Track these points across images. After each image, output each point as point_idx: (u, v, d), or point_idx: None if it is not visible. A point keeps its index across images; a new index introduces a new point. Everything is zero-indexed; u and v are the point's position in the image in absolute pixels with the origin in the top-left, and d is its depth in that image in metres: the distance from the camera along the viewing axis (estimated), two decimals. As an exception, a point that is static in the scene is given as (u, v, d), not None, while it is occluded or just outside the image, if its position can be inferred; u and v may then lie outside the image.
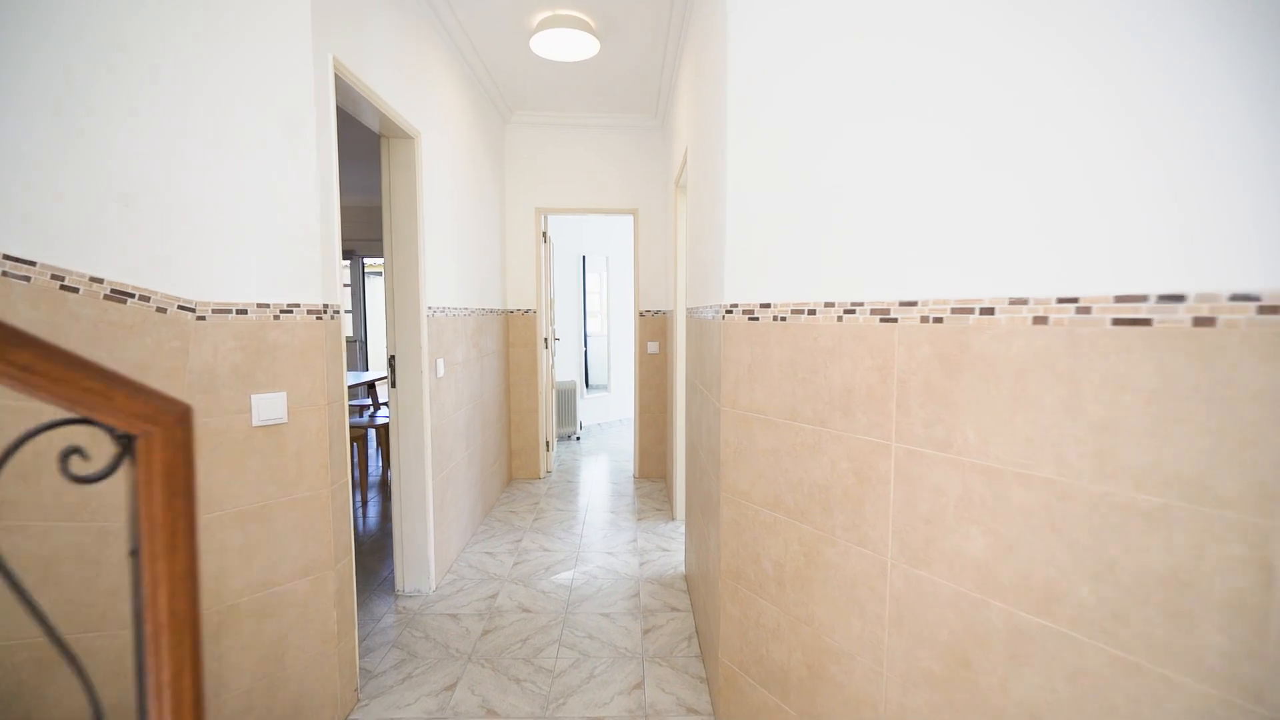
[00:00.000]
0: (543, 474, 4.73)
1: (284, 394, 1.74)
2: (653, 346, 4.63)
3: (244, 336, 1.66)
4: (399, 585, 2.81)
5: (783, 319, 1.55)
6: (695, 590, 2.56)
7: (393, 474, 2.76)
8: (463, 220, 3.37)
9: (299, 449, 1.77)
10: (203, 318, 1.59)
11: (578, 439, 6.10)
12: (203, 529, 1.60)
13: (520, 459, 4.69)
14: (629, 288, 6.78)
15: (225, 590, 1.66)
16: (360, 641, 2.40)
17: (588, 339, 7.69)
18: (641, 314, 4.63)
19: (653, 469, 4.71)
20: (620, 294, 6.82)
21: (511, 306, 4.60)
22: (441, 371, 2.93)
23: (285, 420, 1.74)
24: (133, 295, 1.49)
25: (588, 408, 6.62)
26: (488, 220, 3.96)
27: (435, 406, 2.85)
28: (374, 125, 2.45)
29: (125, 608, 1.53)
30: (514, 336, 4.61)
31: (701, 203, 2.30)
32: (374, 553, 3.24)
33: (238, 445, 1.66)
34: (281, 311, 1.73)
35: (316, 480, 1.82)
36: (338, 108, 2.11)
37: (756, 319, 1.64)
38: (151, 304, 1.51)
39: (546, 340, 4.77)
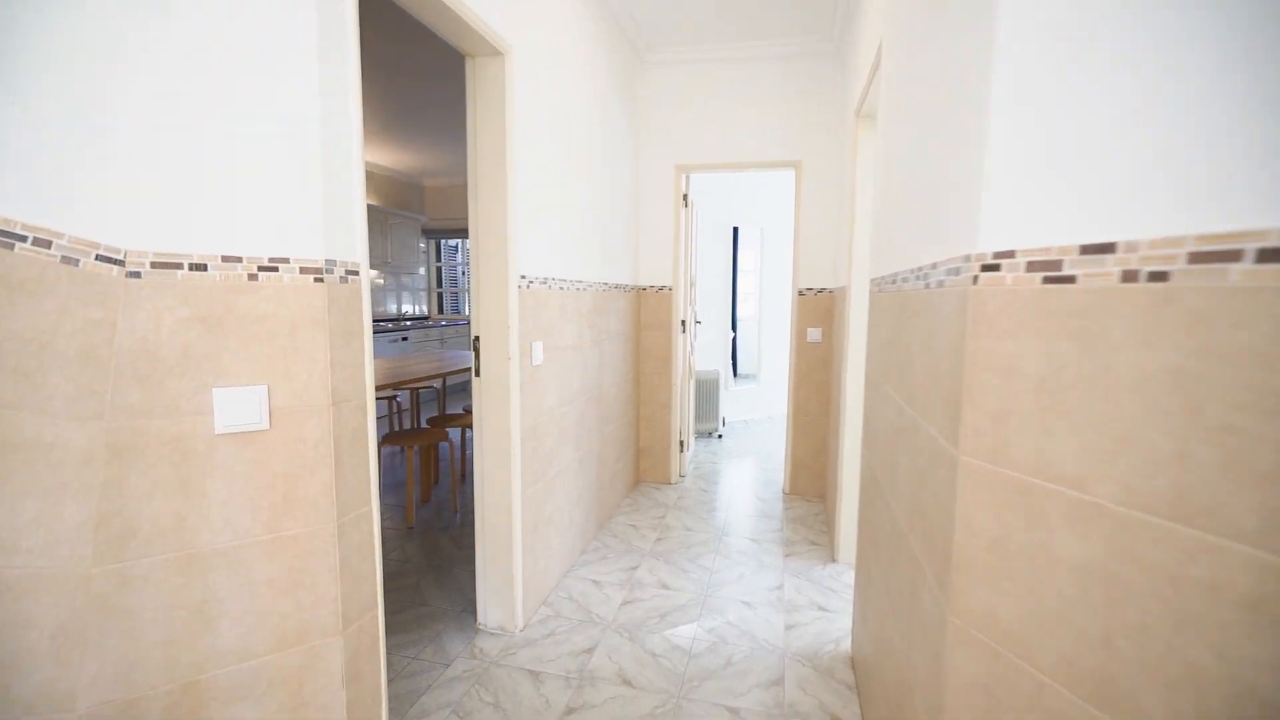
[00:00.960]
0: (675, 478, 4.05)
1: (263, 388, 1.20)
2: (813, 334, 3.70)
3: (202, 304, 1.14)
4: (480, 616, 2.30)
5: (1159, 277, 0.65)
6: (871, 699, 1.69)
7: (475, 482, 2.24)
8: (577, 173, 2.74)
9: (288, 466, 1.24)
10: (136, 274, 1.08)
11: (719, 437, 5.34)
12: (136, 580, 1.12)
13: (649, 459, 4.05)
14: (787, 263, 5.83)
15: (176, 664, 1.17)
16: (419, 698, 1.90)
17: (737, 323, 6.85)
18: (801, 293, 3.71)
19: (807, 485, 3.81)
20: (776, 270, 5.88)
21: (644, 283, 3.94)
22: (539, 358, 2.33)
23: (265, 426, 1.21)
24: (23, 238, 1.01)
25: (733, 401, 5.82)
26: (615, 178, 3.31)
27: (529, 401, 2.27)
28: (448, 34, 1.87)
29: None
30: (646, 317, 3.96)
31: (916, 103, 1.40)
32: (468, 564, 2.80)
33: (193, 460, 1.15)
34: (261, 269, 1.18)
35: (314, 511, 1.27)
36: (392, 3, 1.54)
37: (1069, 280, 0.75)
38: (54, 251, 1.03)
39: (685, 323, 4.05)
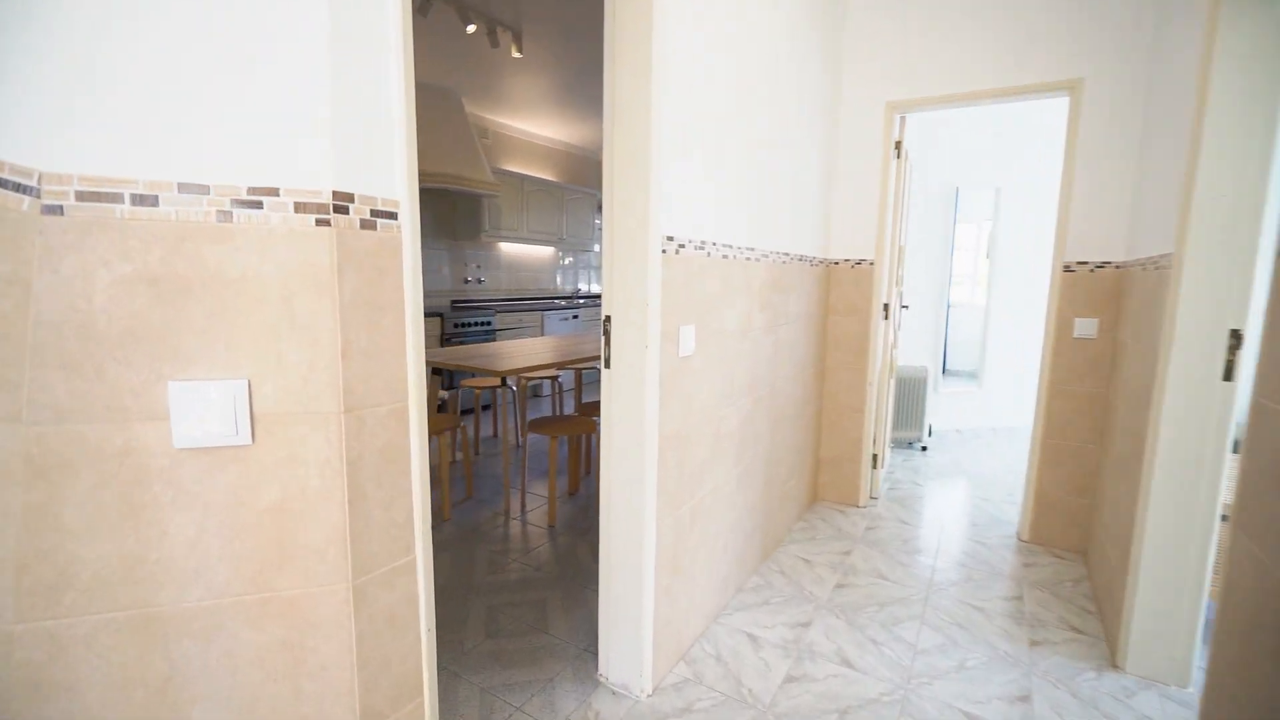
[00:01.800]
0: (864, 500, 3.25)
1: (242, 384, 0.81)
2: (1083, 326, 2.63)
3: (152, 255, 0.76)
4: (602, 665, 1.84)
5: None
6: None
7: (600, 500, 1.76)
8: (752, 106, 2.10)
9: (280, 499, 0.84)
10: (56, 209, 0.73)
11: (923, 449, 4.33)
12: (76, 645, 0.80)
13: (831, 473, 3.30)
14: (1037, 231, 4.53)
15: (130, 763, 0.84)
16: (510, 772, 1.50)
17: (949, 309, 5.61)
18: (1068, 268, 2.65)
19: (1059, 535, 2.77)
20: (1017, 242, 4.61)
21: (837, 255, 3.16)
22: (689, 346, 1.78)
23: (246, 439, 0.82)
24: (-106, 152, 0.70)
25: (943, 406, 4.72)
26: (801, 120, 2.59)
27: (673, 402, 1.73)
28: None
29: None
30: (837, 298, 3.18)
31: None
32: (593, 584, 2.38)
33: (148, 484, 0.80)
34: (237, 203, 0.78)
35: (320, 565, 0.87)
36: None
37: None
38: (-62, 173, 0.71)
39: (888, 306, 3.20)
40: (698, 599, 2.01)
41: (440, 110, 4.90)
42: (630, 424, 1.64)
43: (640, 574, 1.70)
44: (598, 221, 7.41)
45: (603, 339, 1.68)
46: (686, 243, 1.73)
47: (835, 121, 3.04)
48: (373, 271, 0.88)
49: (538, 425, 3.02)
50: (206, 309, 0.79)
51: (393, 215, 0.91)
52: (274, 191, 0.80)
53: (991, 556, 2.70)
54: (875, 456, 3.32)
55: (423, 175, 4.62)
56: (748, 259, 2.15)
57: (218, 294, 0.79)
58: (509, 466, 3.66)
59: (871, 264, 3.09)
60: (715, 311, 1.93)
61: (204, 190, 0.77)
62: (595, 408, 3.44)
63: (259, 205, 0.79)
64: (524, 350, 3.50)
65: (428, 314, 4.68)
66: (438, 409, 4.89)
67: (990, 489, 3.55)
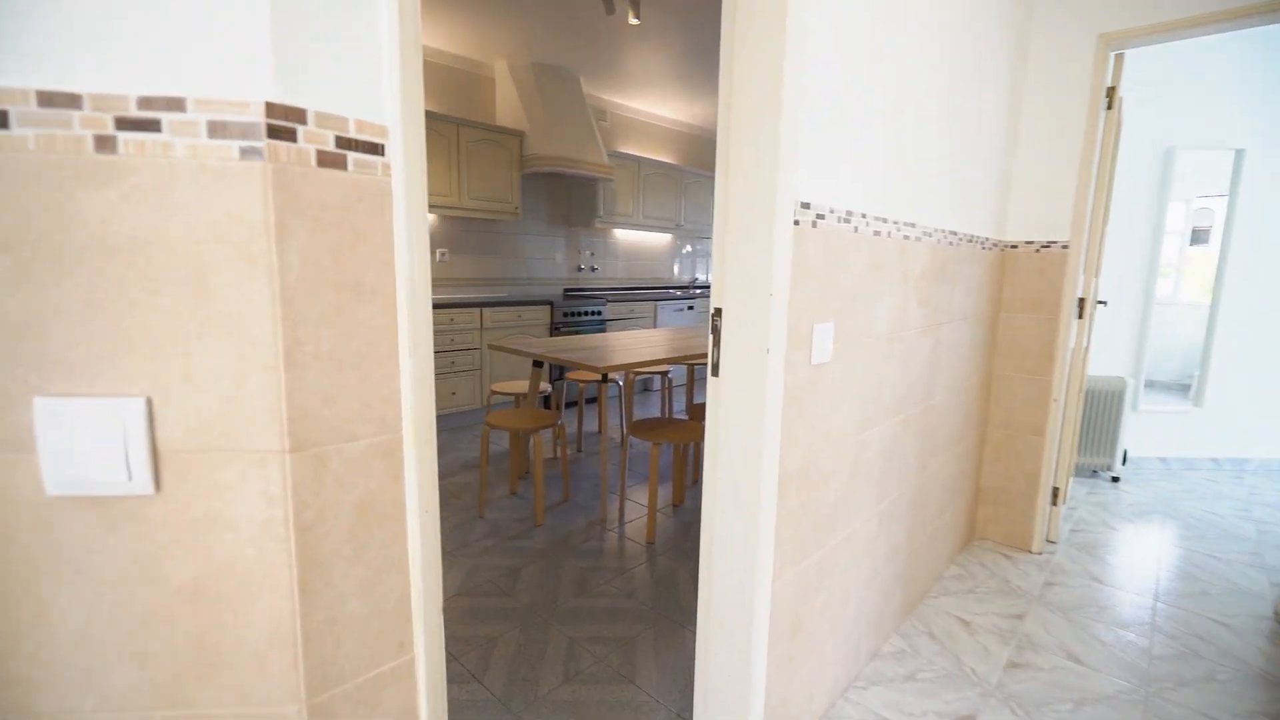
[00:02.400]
0: (1038, 544, 2.58)
1: (140, 401, 0.53)
2: None
3: (3, 202, 0.50)
4: (698, 744, 1.48)
5: None
6: None
7: (701, 542, 1.39)
8: (909, 42, 1.59)
9: (201, 577, 0.56)
10: None
11: (1114, 479, 3.48)
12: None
13: (995, 506, 2.66)
14: (1287, 209, 3.48)
15: None
16: None
17: (1151, 306, 4.53)
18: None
19: (1349, 624, 1.97)
20: (1268, 221, 3.55)
21: (1014, 236, 2.51)
22: (824, 352, 1.34)
23: (148, 488, 0.54)
24: None
25: (1144, 427, 3.78)
26: (976, 59, 2.00)
27: (802, 424, 1.31)
28: None
29: None
30: (1013, 291, 2.53)
31: None
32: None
33: (14, 543, 0.54)
34: (125, 123, 0.50)
35: (260, 677, 0.58)
36: None
37: None
38: None
39: (1083, 302, 2.49)
40: (822, 670, 1.58)
41: (557, 90, 4.72)
42: (742, 452, 1.25)
43: (749, 642, 1.31)
44: (718, 207, 6.96)
45: (710, 339, 1.29)
46: (826, 212, 1.29)
47: (1022, 63, 2.39)
48: (340, 233, 0.58)
49: (641, 428, 2.70)
50: (86, 290, 0.52)
51: (376, 149, 0.59)
52: (178, 104, 0.51)
53: (1238, 644, 1.97)
54: (1056, 491, 2.63)
55: (537, 159, 4.47)
56: (905, 237, 1.65)
57: (99, 267, 0.51)
58: (608, 470, 3.40)
59: (1065, 247, 2.41)
60: (860, 306, 1.47)
61: (72, 101, 0.50)
62: (703, 411, 3.06)
63: (155, 126, 0.50)
64: (631, 343, 3.19)
65: (538, 302, 4.54)
66: (543, 403, 4.76)
67: (1223, 543, 2.71)
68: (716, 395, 1.29)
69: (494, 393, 3.45)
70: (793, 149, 1.14)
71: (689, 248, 6.82)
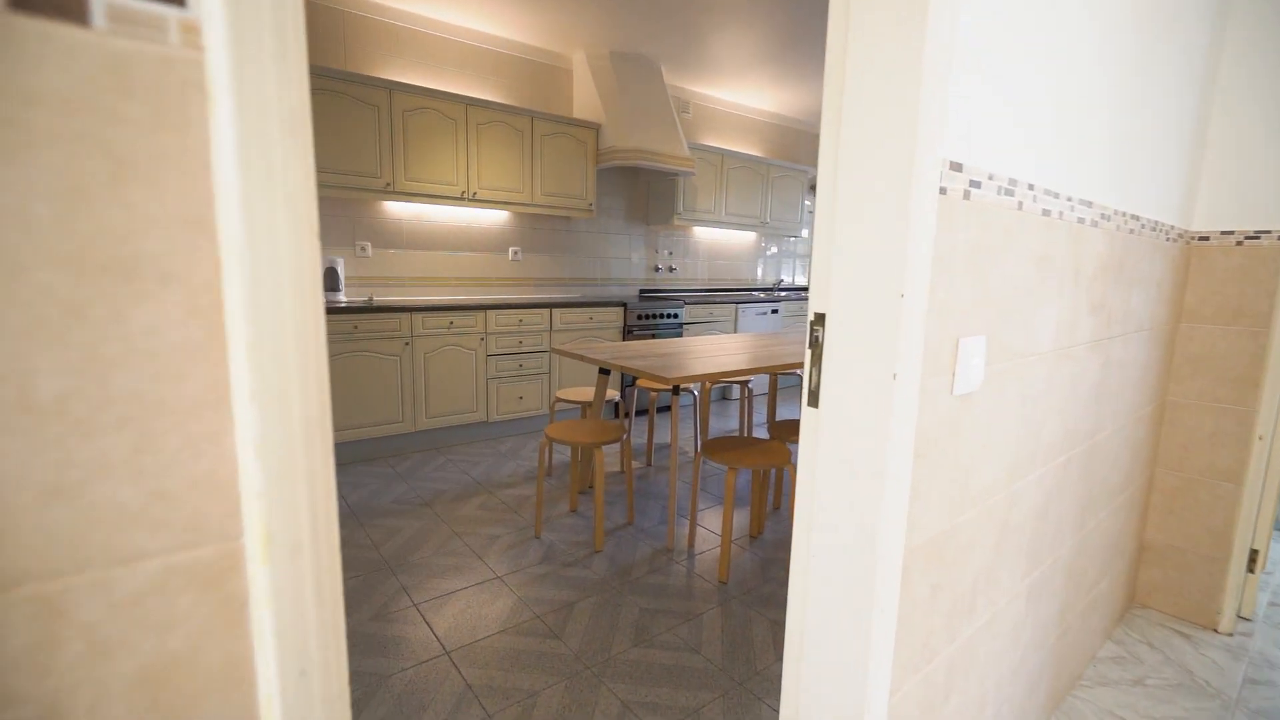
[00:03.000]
0: (1227, 621, 2.01)
1: None
2: None
3: None
4: None
5: None
6: None
7: (788, 637, 1.04)
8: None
9: None
10: None
11: (1317, 535, 2.75)
12: None
13: (1164, 568, 2.10)
14: None
15: None
16: None
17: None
18: None
19: None
20: None
21: (1202, 226, 1.96)
22: (973, 376, 0.95)
23: None
24: None
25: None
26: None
27: (936, 481, 0.93)
28: None
29: None
30: (1199, 295, 1.98)
31: None
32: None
33: None
34: None
35: None
36: None
37: None
38: None
39: (1299, 310, 1.90)
40: (948, 799, 1.18)
41: (636, 80, 4.46)
42: (851, 519, 0.89)
43: (851, 774, 0.95)
44: (808, 203, 6.47)
45: (807, 355, 0.94)
46: (983, 179, 0.91)
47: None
48: (81, 157, 0.29)
49: (716, 448, 2.36)
50: None
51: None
52: None
53: None
54: (1254, 554, 2.04)
55: (614, 151, 4.22)
56: (1080, 220, 1.22)
57: None
58: (678, 490, 3.07)
59: (1273, 238, 1.84)
60: (1019, 313, 1.07)
61: None
62: (791, 428, 2.67)
63: None
64: (708, 350, 2.86)
65: (611, 303, 4.30)
66: (612, 411, 4.51)
67: None
68: (814, 433, 0.94)
69: (558, 400, 3.22)
70: (938, 83, 0.78)
71: (774, 248, 6.37)
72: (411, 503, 2.89)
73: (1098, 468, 1.57)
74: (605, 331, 4.32)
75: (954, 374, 0.92)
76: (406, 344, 3.46)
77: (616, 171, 4.91)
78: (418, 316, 3.48)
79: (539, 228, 4.54)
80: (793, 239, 6.53)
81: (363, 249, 3.78)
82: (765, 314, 5.41)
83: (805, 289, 6.78)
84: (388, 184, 3.50)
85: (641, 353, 2.73)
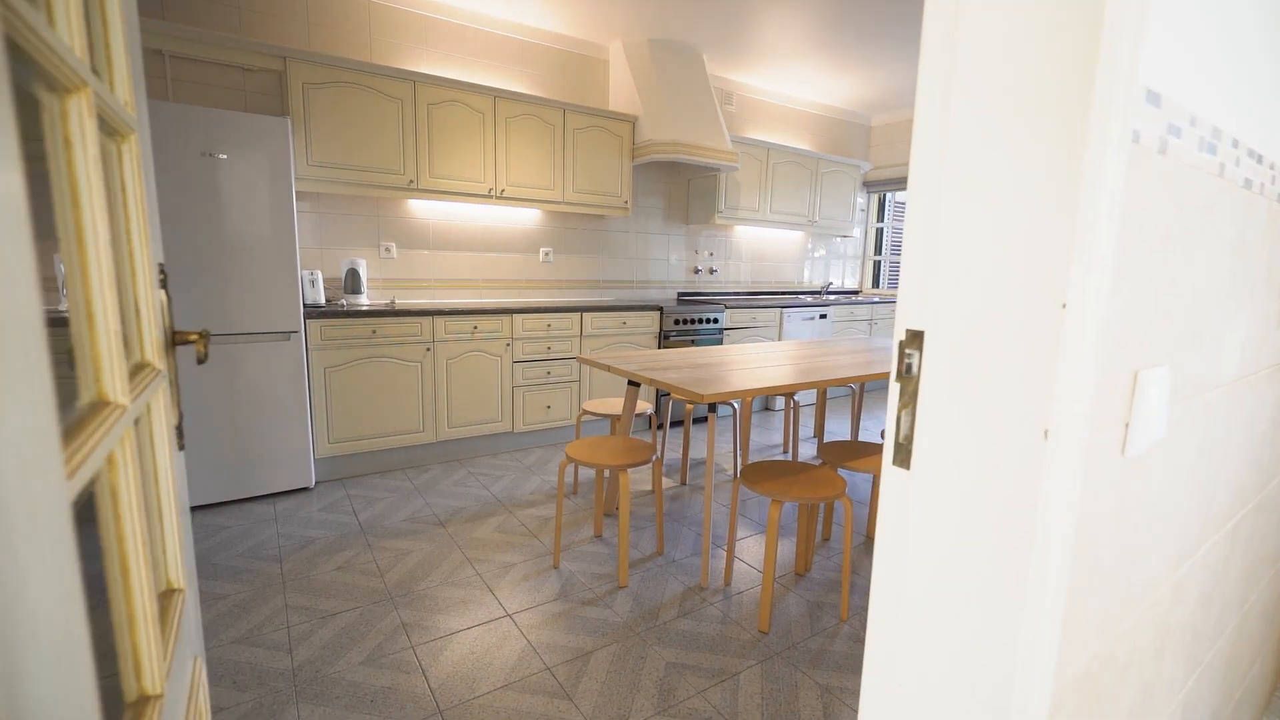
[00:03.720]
0: (1405, 713, 1.58)
1: None
2: None
3: None
4: None
5: None
6: None
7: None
8: None
9: None
10: None
11: None
12: None
13: (1319, 642, 1.68)
14: None
15: None
16: None
17: None
18: None
19: None
20: None
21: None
22: (1153, 426, 0.63)
23: None
24: None
25: None
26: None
27: (1089, 588, 0.61)
28: None
29: None
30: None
31: None
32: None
33: None
34: None
35: None
36: None
37: None
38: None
39: None
40: None
41: (676, 69, 4.18)
42: (970, 645, 0.58)
43: None
44: (859, 200, 6.06)
45: (894, 389, 0.64)
46: (1183, 126, 0.59)
47: None
48: None
49: (756, 475, 2.05)
50: None
51: None
52: None
53: None
54: None
55: (651, 145, 3.95)
56: None
57: None
58: (713, 516, 2.76)
59: None
60: (1206, 330, 0.74)
61: None
62: (843, 451, 2.33)
63: None
64: (749, 360, 2.55)
65: (646, 307, 4.03)
66: (651, 425, 4.24)
67: None
68: (900, 509, 0.64)
69: (585, 412, 2.97)
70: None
71: (822, 248, 5.97)
72: (425, 522, 2.68)
73: (1264, 528, 1.20)
74: (640, 337, 4.05)
75: (1127, 425, 0.61)
76: (428, 349, 3.27)
77: (654, 167, 4.64)
78: (440, 320, 3.28)
79: (571, 227, 4.31)
80: (843, 239, 6.12)
81: (387, 250, 3.61)
82: (812, 319, 5.04)
83: (855, 292, 6.35)
84: (411, 181, 3.33)
85: (675, 363, 2.44)
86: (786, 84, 5.06)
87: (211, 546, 2.40)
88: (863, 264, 6.40)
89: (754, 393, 2.01)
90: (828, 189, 5.41)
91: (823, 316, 5.12)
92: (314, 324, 2.93)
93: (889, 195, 6.26)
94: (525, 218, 4.09)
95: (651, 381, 2.15)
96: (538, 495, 3.01)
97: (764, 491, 1.95)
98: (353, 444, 3.12)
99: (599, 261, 4.48)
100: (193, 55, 2.91)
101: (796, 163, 5.10)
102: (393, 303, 3.46)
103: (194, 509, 2.74)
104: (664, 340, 4.14)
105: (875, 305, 5.59)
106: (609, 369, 2.39)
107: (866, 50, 4.27)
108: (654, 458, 2.28)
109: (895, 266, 6.56)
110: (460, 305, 3.46)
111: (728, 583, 2.23)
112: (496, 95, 3.53)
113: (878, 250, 6.37)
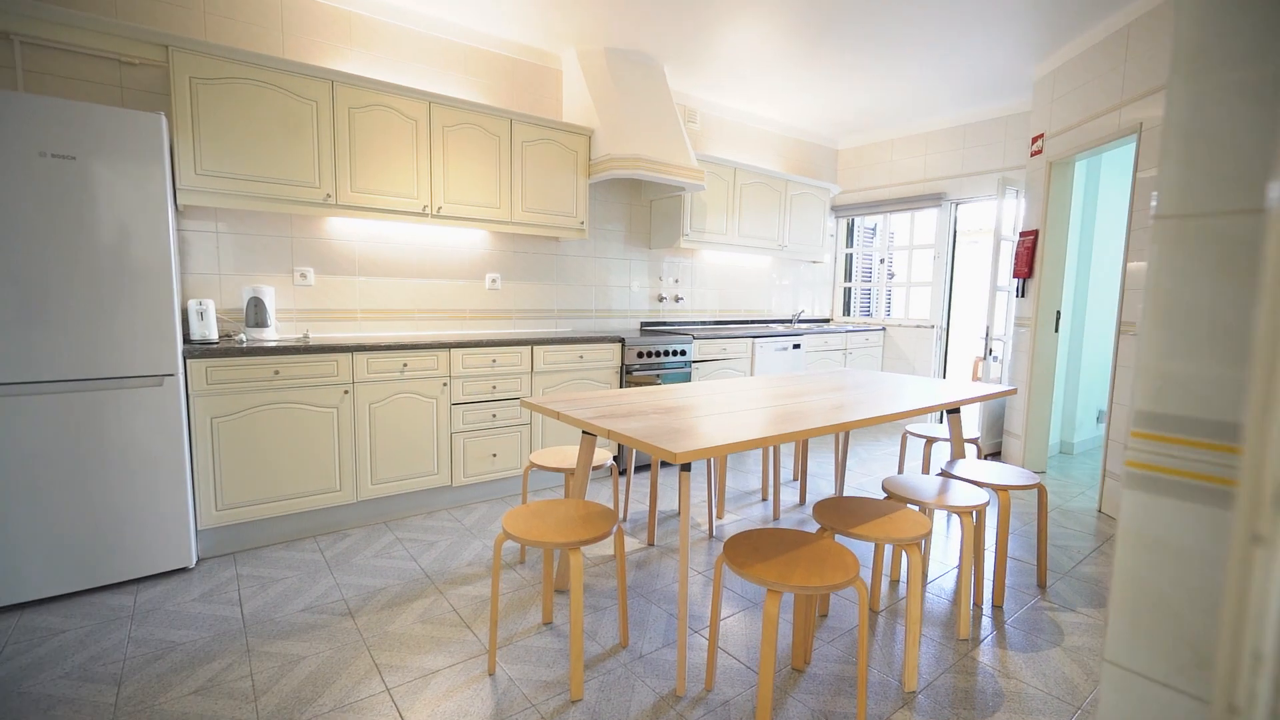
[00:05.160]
0: None
1: None
2: None
3: None
4: None
5: None
6: None
7: None
8: None
9: None
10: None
11: None
12: None
13: None
14: None
15: None
16: None
17: None
18: None
19: None
20: None
21: None
22: None
23: None
24: None
25: None
26: None
27: None
28: None
29: None
30: None
31: None
32: None
33: None
34: None
35: None
36: None
37: None
38: None
39: None
40: None
41: (636, 80, 3.85)
42: None
43: None
44: (830, 225, 5.82)
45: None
46: None
47: None
48: None
49: (744, 552, 1.61)
50: None
51: None
52: None
53: None
54: None
55: (610, 161, 3.58)
56: None
57: None
58: (689, 591, 2.30)
59: None
60: None
61: None
62: (842, 512, 1.91)
63: None
64: (725, 402, 2.14)
65: (605, 339, 3.60)
66: (619, 472, 3.77)
67: None
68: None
69: (534, 466, 2.49)
70: None
71: (791, 275, 5.68)
72: (330, 611, 2.14)
73: None
74: (599, 373, 3.61)
75: None
76: (346, 392, 2.75)
77: (614, 186, 4.27)
78: (361, 357, 2.78)
79: (522, 251, 3.87)
80: (812, 264, 5.86)
81: (303, 276, 3.11)
82: (786, 349, 4.69)
83: (826, 320, 6.07)
84: (328, 196, 2.85)
85: (640, 407, 2.01)
86: (752, 102, 4.81)
87: (29, 664, 1.81)
88: (833, 291, 6.14)
89: (735, 448, 1.59)
90: (797, 212, 5.14)
91: (796, 347, 4.78)
92: (197, 364, 2.39)
93: (857, 220, 6.05)
94: (469, 240, 3.64)
95: (611, 434, 1.70)
96: (477, 567, 2.50)
97: (756, 578, 1.51)
98: (249, 510, 2.56)
99: (553, 289, 4.05)
100: (50, 40, 2.40)
101: (765, 184, 4.82)
102: (306, 337, 2.94)
103: (20, 607, 2.13)
104: (626, 375, 3.71)
105: (849, 334, 5.29)
106: (559, 416, 1.94)
107: (833, 67, 4.03)
108: (614, 529, 1.82)
109: (866, 294, 6.33)
110: (387, 340, 2.97)
111: (709, 687, 1.77)
112: (432, 101, 3.10)
113: (847, 277, 6.13)
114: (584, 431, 2.08)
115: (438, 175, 3.16)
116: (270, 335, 2.85)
